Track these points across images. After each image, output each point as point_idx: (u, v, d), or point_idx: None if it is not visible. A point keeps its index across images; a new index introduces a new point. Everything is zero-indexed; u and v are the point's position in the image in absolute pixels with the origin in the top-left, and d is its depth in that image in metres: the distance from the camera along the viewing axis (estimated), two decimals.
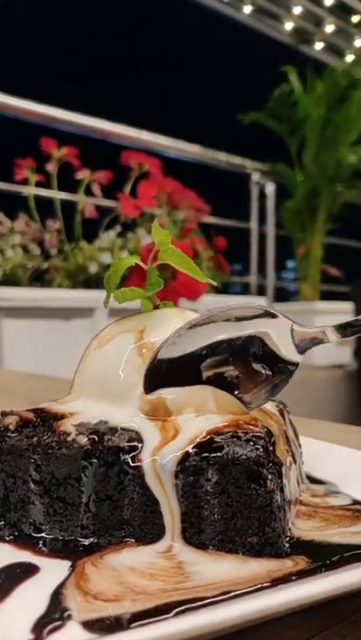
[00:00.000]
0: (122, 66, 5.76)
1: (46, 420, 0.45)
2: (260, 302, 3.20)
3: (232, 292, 4.02)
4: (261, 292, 3.64)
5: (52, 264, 2.56)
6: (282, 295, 4.09)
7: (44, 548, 0.42)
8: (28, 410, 0.47)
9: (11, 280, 2.42)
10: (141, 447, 0.41)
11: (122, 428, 0.43)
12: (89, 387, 0.47)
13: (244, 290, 3.89)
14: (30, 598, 0.34)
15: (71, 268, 2.56)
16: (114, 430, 0.43)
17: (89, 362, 0.48)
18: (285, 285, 4.30)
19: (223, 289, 3.14)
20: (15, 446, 0.43)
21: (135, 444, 0.42)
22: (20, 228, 2.56)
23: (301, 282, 3.59)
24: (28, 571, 0.38)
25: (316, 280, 3.50)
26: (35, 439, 0.43)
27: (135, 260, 0.49)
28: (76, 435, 0.43)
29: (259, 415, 0.47)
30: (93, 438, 0.42)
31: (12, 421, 0.45)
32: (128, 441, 0.42)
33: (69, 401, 0.48)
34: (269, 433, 0.44)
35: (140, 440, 0.42)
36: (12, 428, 0.44)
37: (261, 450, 0.41)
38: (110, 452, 0.41)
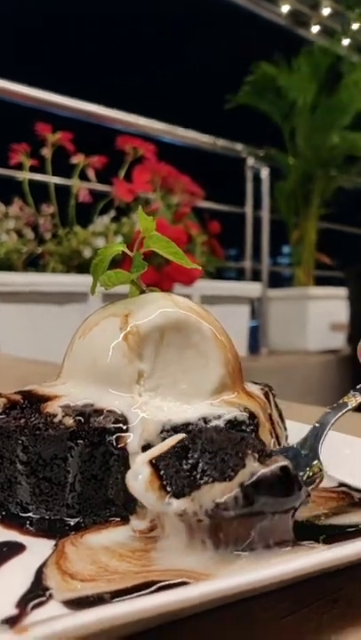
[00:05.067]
0: (117, 50, 5.71)
1: (33, 402, 0.46)
2: (256, 287, 3.21)
3: (227, 277, 4.02)
4: (256, 277, 3.65)
5: (46, 249, 2.55)
6: (277, 280, 4.09)
7: (31, 528, 0.42)
8: (15, 392, 0.47)
9: (5, 265, 2.42)
10: (126, 429, 0.42)
11: (108, 410, 0.43)
12: (76, 370, 0.48)
13: (239, 275, 3.89)
14: (15, 576, 0.35)
15: (65, 253, 2.56)
16: (100, 412, 0.43)
17: (76, 346, 0.49)
18: (280, 270, 4.30)
19: (218, 274, 3.14)
20: (2, 428, 0.44)
21: (120, 425, 0.42)
22: (15, 212, 2.55)
23: (296, 267, 3.59)
24: (15, 549, 0.39)
25: (310, 265, 3.51)
26: (22, 421, 0.44)
27: (121, 248, 0.49)
28: (63, 416, 0.43)
29: (243, 398, 0.47)
30: (79, 420, 0.43)
31: None
32: (114, 422, 0.42)
33: (57, 384, 0.48)
34: (252, 415, 0.45)
35: (126, 422, 0.43)
36: None
37: (245, 432, 0.42)
38: (96, 434, 0.42)
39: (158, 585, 0.33)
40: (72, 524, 0.42)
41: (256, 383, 0.56)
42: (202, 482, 0.34)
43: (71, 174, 2.71)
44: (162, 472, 0.35)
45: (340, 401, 0.50)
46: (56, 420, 0.43)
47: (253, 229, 3.71)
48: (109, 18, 5.61)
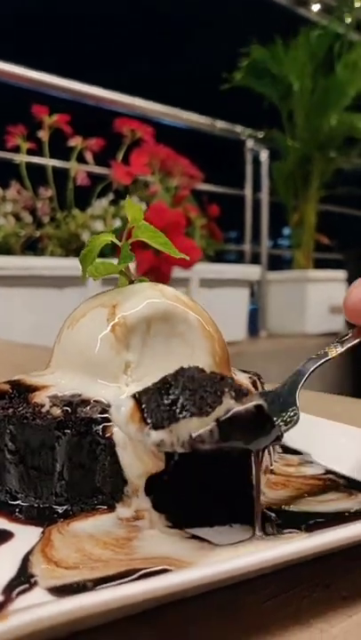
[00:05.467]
0: (115, 31, 5.65)
1: (22, 391, 0.46)
2: (255, 270, 3.21)
3: (226, 259, 4.02)
4: (256, 259, 3.64)
5: (44, 232, 2.55)
6: (277, 263, 4.09)
7: (20, 515, 0.43)
8: (4, 382, 0.48)
9: (3, 249, 2.42)
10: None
11: (94, 400, 0.44)
12: (64, 360, 0.48)
13: (239, 258, 3.89)
14: (3, 563, 0.36)
15: (63, 236, 2.56)
16: (87, 402, 0.44)
17: (64, 336, 0.49)
18: (280, 253, 4.29)
19: (217, 257, 3.14)
20: None
21: (107, 415, 0.43)
22: (12, 196, 2.54)
23: (295, 249, 3.58)
24: (3, 537, 0.40)
25: (309, 248, 3.50)
26: (10, 410, 0.45)
27: (110, 238, 0.49)
28: (51, 406, 0.44)
29: None
30: (67, 410, 0.44)
31: None
32: (100, 412, 0.43)
33: (46, 374, 0.49)
34: None
35: None
36: None
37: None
38: (83, 423, 0.43)
39: (140, 572, 0.34)
40: (60, 511, 0.43)
41: (244, 371, 0.56)
42: (180, 416, 0.36)
43: (69, 157, 2.70)
44: (143, 405, 0.37)
45: (322, 351, 0.51)
46: (44, 410, 0.44)
47: (253, 212, 3.70)
48: (109, 0, 5.54)
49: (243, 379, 0.53)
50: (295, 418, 0.44)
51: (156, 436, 0.36)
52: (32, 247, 2.57)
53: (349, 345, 0.51)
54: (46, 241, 2.56)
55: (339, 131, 3.31)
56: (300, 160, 3.38)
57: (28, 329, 2.24)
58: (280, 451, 0.58)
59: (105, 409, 0.43)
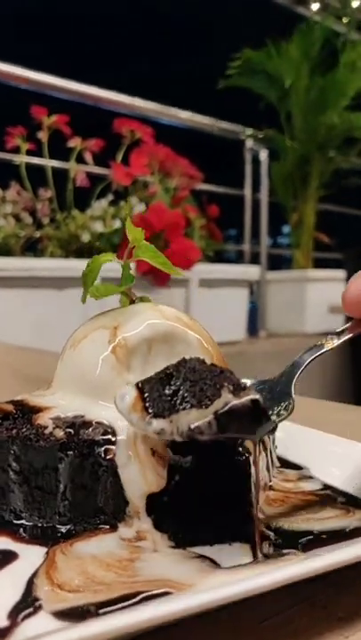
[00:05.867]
0: (114, 31, 5.64)
1: (25, 412, 0.47)
2: (254, 270, 3.22)
3: (226, 258, 4.02)
4: (255, 259, 3.65)
5: (44, 233, 2.56)
6: (276, 261, 4.09)
7: (24, 534, 0.44)
8: (7, 402, 0.49)
9: (3, 249, 2.42)
10: (115, 441, 0.44)
11: (96, 422, 0.45)
12: (66, 381, 0.49)
13: (239, 257, 3.89)
14: (8, 586, 0.37)
15: (63, 237, 2.56)
16: (89, 424, 0.45)
17: (67, 357, 0.50)
18: (280, 252, 4.30)
19: (217, 256, 3.14)
20: None
21: (109, 437, 0.44)
22: (12, 197, 2.55)
23: (295, 249, 3.59)
24: (8, 558, 0.40)
25: (308, 248, 3.50)
26: (14, 431, 0.46)
27: (110, 258, 0.50)
28: (54, 428, 0.45)
29: None
30: (69, 432, 0.45)
31: None
32: (102, 434, 0.44)
33: (49, 394, 0.50)
34: None
35: (114, 433, 0.44)
36: None
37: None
38: (85, 445, 0.44)
39: (142, 595, 0.35)
40: (64, 531, 0.44)
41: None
42: (181, 407, 0.38)
43: (68, 158, 2.70)
44: (146, 395, 0.39)
45: (318, 342, 0.52)
46: (47, 431, 0.45)
47: (252, 212, 3.71)
48: (108, 1, 5.53)
49: None
50: (290, 408, 0.46)
51: (157, 424, 0.37)
52: (32, 248, 2.58)
53: (346, 337, 0.52)
54: (46, 242, 2.56)
55: (338, 130, 3.30)
56: (298, 160, 3.38)
57: (28, 330, 2.25)
58: (278, 465, 0.59)
59: (107, 430, 0.44)
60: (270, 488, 0.53)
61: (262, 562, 0.39)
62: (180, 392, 0.38)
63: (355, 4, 3.75)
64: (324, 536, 0.44)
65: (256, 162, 3.61)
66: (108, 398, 0.46)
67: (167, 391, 0.39)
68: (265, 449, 0.53)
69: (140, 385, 0.40)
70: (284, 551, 0.41)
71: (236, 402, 0.37)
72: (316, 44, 3.29)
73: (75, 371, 0.49)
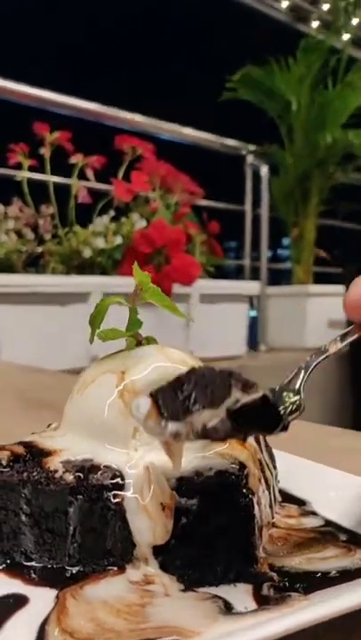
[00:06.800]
0: (115, 48, 5.68)
1: (35, 455, 0.49)
2: (254, 286, 3.23)
3: (226, 272, 4.05)
4: (255, 274, 3.67)
5: (45, 249, 2.57)
6: (276, 276, 4.11)
7: (34, 576, 0.45)
8: (18, 443, 0.50)
9: (5, 265, 2.44)
10: (123, 485, 0.45)
11: (105, 466, 0.46)
12: (75, 424, 0.51)
13: (239, 270, 3.91)
14: (19, 633, 0.38)
15: (65, 253, 2.58)
16: (97, 468, 0.46)
17: (74, 401, 0.51)
18: (280, 267, 4.32)
19: (217, 271, 3.16)
20: (7, 481, 0.47)
21: (117, 481, 0.45)
22: (14, 213, 2.57)
23: (295, 264, 3.61)
24: (19, 602, 0.41)
25: (308, 263, 3.52)
26: (25, 474, 0.47)
27: (119, 300, 0.52)
28: (63, 472, 0.46)
29: (234, 447, 0.50)
30: (79, 476, 0.46)
31: (4, 456, 0.48)
32: (111, 478, 0.45)
33: (58, 436, 0.51)
34: (242, 466, 0.48)
35: (122, 477, 0.45)
36: (4, 463, 0.48)
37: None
38: (94, 490, 0.45)
39: None
40: (73, 572, 0.45)
41: None
42: (194, 409, 0.39)
43: (70, 174, 2.72)
44: (160, 401, 0.40)
45: (323, 347, 0.54)
46: (57, 475, 0.46)
47: (253, 227, 3.73)
48: (108, 17, 5.58)
49: None
50: (301, 408, 0.48)
51: (173, 427, 0.39)
52: (34, 264, 2.60)
53: (349, 340, 0.54)
54: (48, 257, 2.58)
55: (337, 147, 3.33)
56: (299, 176, 3.41)
57: (30, 346, 2.26)
58: (280, 499, 0.60)
59: (115, 474, 0.46)
60: (273, 525, 0.54)
61: (264, 610, 0.40)
62: (193, 395, 0.40)
63: (355, 22, 3.79)
64: (325, 578, 0.45)
65: (257, 177, 3.63)
66: (115, 442, 0.48)
67: (180, 396, 0.40)
68: (268, 487, 0.54)
69: (153, 393, 0.41)
70: (287, 594, 0.42)
71: (246, 398, 0.39)
72: (317, 62, 3.32)
73: (83, 414, 0.50)
